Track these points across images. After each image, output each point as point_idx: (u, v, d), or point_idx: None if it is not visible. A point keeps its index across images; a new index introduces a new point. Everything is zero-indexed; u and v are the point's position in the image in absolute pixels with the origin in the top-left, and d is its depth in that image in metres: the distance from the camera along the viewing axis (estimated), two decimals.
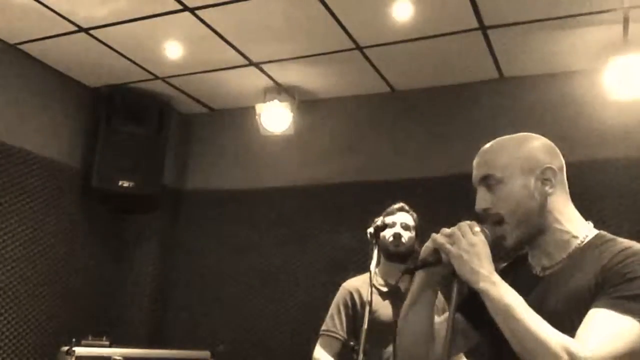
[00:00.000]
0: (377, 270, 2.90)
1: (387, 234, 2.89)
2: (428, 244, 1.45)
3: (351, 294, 2.93)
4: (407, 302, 1.56)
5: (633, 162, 3.88)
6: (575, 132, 3.91)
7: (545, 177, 1.46)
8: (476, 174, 1.53)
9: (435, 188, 4.30)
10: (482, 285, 1.33)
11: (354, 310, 2.89)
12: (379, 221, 2.83)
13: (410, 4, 3.61)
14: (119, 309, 4.95)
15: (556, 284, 1.41)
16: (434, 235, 1.44)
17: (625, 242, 1.39)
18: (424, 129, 4.60)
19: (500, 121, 4.31)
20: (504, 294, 1.32)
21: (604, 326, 1.25)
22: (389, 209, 3.00)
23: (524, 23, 3.73)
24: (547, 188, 1.45)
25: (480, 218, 1.48)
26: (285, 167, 4.97)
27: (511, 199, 1.44)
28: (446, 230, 1.43)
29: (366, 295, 2.67)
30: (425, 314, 1.53)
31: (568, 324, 1.28)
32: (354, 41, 4.06)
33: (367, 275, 2.95)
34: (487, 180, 1.48)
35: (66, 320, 4.55)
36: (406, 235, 2.92)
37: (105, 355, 3.90)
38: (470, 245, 1.36)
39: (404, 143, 4.62)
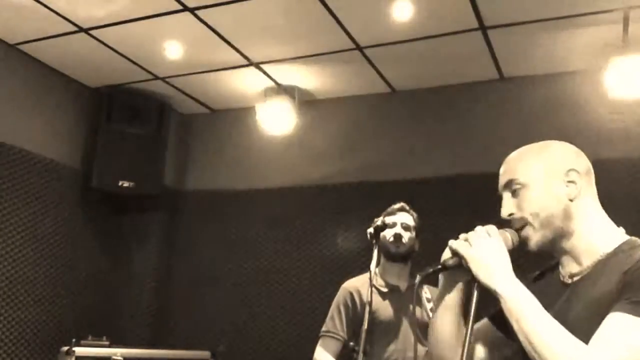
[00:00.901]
0: (377, 270, 2.90)
1: (388, 234, 2.89)
2: (447, 249, 1.46)
3: (351, 294, 2.93)
4: (433, 310, 1.56)
5: (633, 162, 3.88)
6: (575, 132, 3.91)
7: (569, 179, 1.45)
8: (501, 181, 1.53)
9: (436, 188, 4.30)
10: (499, 288, 1.34)
11: (354, 311, 2.89)
12: (379, 221, 2.83)
13: (410, 4, 3.61)
14: (119, 309, 4.95)
15: (581, 291, 1.39)
16: (451, 241, 1.46)
17: None
18: (424, 129, 4.60)
19: (500, 121, 4.31)
20: (521, 298, 1.32)
21: (619, 331, 1.23)
22: (389, 209, 2.99)
23: (524, 23, 3.73)
24: (571, 191, 1.44)
25: (506, 223, 1.48)
26: (285, 167, 4.96)
27: (535, 202, 1.44)
28: (463, 235, 1.44)
29: (366, 296, 2.68)
30: (450, 319, 1.51)
31: (591, 331, 1.26)
32: (354, 41, 4.06)
33: (366, 275, 2.94)
34: (511, 186, 1.48)
35: (66, 320, 4.55)
36: (406, 236, 2.91)
37: (105, 355, 3.90)
38: (487, 249, 1.38)
39: (404, 143, 4.61)
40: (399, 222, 2.94)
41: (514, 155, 1.55)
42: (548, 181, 1.44)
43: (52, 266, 4.50)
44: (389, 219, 2.93)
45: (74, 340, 3.87)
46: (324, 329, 2.95)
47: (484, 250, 1.38)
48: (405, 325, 2.83)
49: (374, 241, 2.74)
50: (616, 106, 3.92)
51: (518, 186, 1.46)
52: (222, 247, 4.97)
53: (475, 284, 1.38)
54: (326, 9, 3.68)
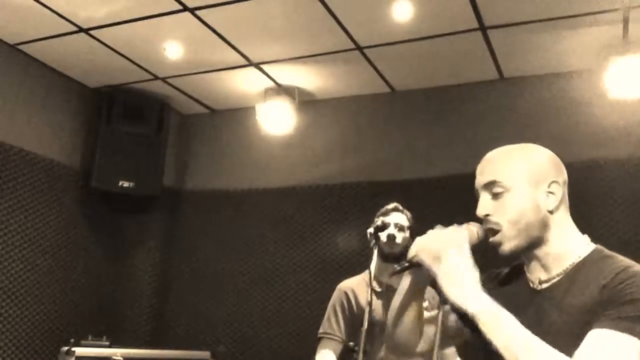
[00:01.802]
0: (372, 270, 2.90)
1: (382, 235, 2.88)
2: (413, 247, 1.47)
3: (346, 294, 2.93)
4: (398, 303, 1.58)
5: (633, 162, 3.88)
6: (575, 132, 3.91)
7: (550, 191, 1.45)
8: (480, 179, 1.51)
9: (436, 188, 4.31)
10: (470, 309, 1.33)
11: (351, 311, 2.88)
12: (379, 221, 2.83)
13: (410, 4, 3.61)
14: (119, 309, 4.95)
15: (554, 299, 1.40)
16: (415, 247, 1.45)
17: (625, 260, 1.38)
18: (424, 129, 4.60)
19: (500, 121, 4.31)
20: (493, 315, 1.32)
21: (604, 347, 1.24)
22: (383, 210, 2.98)
23: (524, 23, 3.73)
24: (551, 202, 1.45)
25: (480, 222, 1.48)
26: (285, 167, 4.96)
27: (515, 208, 1.43)
28: (428, 244, 1.44)
29: (363, 296, 2.68)
30: (414, 314, 1.56)
31: (569, 340, 1.28)
32: (354, 41, 4.06)
33: (361, 275, 2.95)
34: (492, 187, 1.47)
35: (66, 320, 4.55)
36: (400, 236, 2.90)
37: (105, 355, 3.90)
38: (452, 267, 1.37)
39: (404, 143, 4.61)
40: (393, 222, 2.93)
41: (497, 155, 1.52)
42: (531, 189, 1.44)
43: (52, 266, 4.50)
44: (382, 220, 2.92)
45: (73, 340, 3.88)
46: (321, 330, 2.93)
47: (448, 268, 1.37)
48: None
49: (374, 241, 2.74)
50: (616, 106, 3.92)
51: (500, 189, 1.45)
52: (222, 247, 4.97)
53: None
54: (326, 9, 3.68)
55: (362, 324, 2.53)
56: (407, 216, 2.98)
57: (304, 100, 4.85)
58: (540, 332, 1.30)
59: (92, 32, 4.10)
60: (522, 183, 1.44)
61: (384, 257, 2.92)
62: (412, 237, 2.96)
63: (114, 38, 4.18)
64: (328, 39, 4.04)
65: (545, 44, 3.94)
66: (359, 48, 4.15)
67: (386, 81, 4.61)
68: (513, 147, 1.53)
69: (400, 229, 2.91)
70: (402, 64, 4.36)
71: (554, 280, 1.43)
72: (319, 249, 4.64)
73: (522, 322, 1.33)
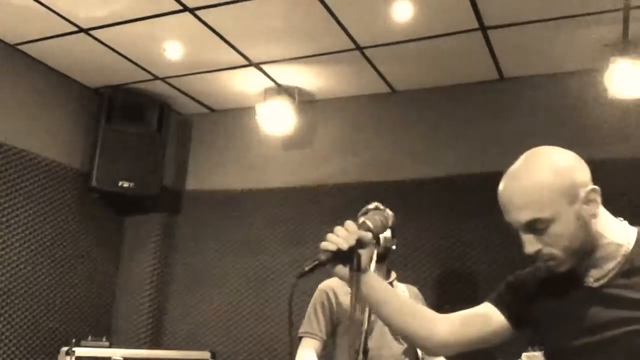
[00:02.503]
0: None
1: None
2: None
3: (327, 293, 2.95)
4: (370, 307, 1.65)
5: (633, 162, 3.88)
6: (575, 132, 3.91)
7: (589, 198, 1.41)
8: (518, 218, 1.41)
9: (435, 188, 4.30)
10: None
11: (331, 310, 2.91)
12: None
13: (410, 4, 3.61)
14: (119, 310, 4.95)
15: (616, 294, 1.39)
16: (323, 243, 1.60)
17: None
18: (424, 129, 4.60)
19: (500, 121, 4.31)
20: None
21: None
22: (363, 210, 2.98)
23: (524, 23, 3.73)
24: (592, 208, 1.41)
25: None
26: (285, 168, 4.96)
27: (565, 236, 1.38)
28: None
29: (343, 295, 2.70)
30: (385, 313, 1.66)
31: (634, 335, 1.28)
32: (354, 41, 4.06)
33: None
34: (535, 225, 1.39)
35: (66, 320, 4.55)
36: (381, 237, 2.89)
37: (105, 356, 3.89)
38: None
39: (404, 143, 4.61)
40: None
41: (524, 187, 1.41)
42: (572, 208, 1.38)
43: (52, 266, 4.50)
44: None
45: (73, 340, 3.87)
46: (301, 330, 2.95)
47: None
48: (380, 324, 2.83)
49: (374, 241, 2.73)
50: (616, 106, 3.92)
51: (543, 225, 1.38)
52: (222, 247, 4.97)
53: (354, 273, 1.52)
54: (326, 9, 3.68)
55: (347, 323, 2.54)
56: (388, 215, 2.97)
57: (304, 100, 4.85)
58: (603, 330, 1.30)
59: (92, 32, 4.10)
60: (562, 207, 1.37)
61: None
62: (394, 236, 2.97)
63: (114, 38, 4.18)
64: (328, 39, 4.04)
65: (545, 44, 3.94)
66: (359, 48, 4.15)
67: (386, 81, 4.61)
68: (533, 171, 1.42)
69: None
70: (402, 64, 4.36)
71: (611, 275, 1.41)
72: (319, 249, 4.63)
73: (582, 321, 1.34)
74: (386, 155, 4.64)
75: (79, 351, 3.81)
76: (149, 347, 4.56)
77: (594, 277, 1.43)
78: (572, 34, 3.80)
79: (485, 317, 1.57)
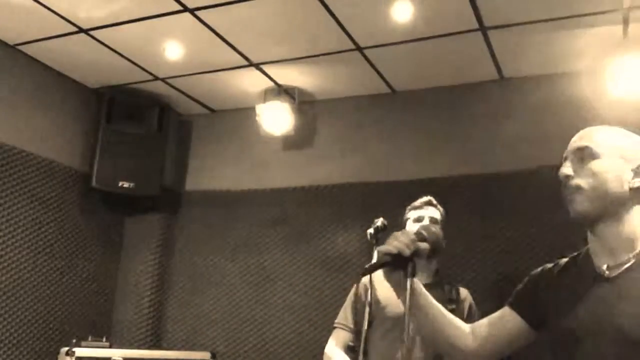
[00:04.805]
0: None
1: (413, 228, 2.87)
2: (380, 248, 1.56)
3: (363, 286, 2.95)
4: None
5: None
6: (575, 132, 3.87)
7: (639, 171, 1.47)
8: (573, 145, 1.56)
9: (436, 189, 4.29)
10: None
11: (361, 303, 2.92)
12: (379, 222, 2.83)
13: (410, 4, 3.61)
14: (119, 310, 4.95)
15: (629, 285, 1.39)
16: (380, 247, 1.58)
17: None
18: (424, 130, 4.59)
19: (500, 121, 4.30)
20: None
21: None
22: (417, 203, 2.98)
23: (524, 23, 3.73)
24: (637, 181, 1.46)
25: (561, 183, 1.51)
26: (285, 168, 4.96)
27: (600, 175, 1.46)
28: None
29: (378, 288, 2.69)
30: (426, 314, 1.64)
31: (637, 331, 1.28)
32: (354, 41, 4.06)
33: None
34: (583, 152, 1.50)
35: (66, 321, 4.55)
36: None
37: (105, 356, 3.89)
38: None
39: (404, 144, 4.61)
40: (427, 216, 2.92)
41: (596, 127, 1.57)
42: (620, 162, 1.46)
43: (52, 266, 4.50)
44: (414, 214, 2.91)
45: (73, 341, 3.88)
46: (335, 320, 3.00)
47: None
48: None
49: (374, 242, 2.74)
50: (616, 106, 3.92)
51: (589, 154, 1.48)
52: (222, 247, 4.97)
53: (409, 278, 1.52)
54: (326, 9, 3.68)
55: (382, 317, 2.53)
56: (440, 211, 2.99)
57: (304, 101, 4.86)
58: (606, 321, 1.30)
59: (92, 32, 4.10)
60: (614, 154, 1.47)
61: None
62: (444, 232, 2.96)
63: (114, 38, 4.18)
64: (328, 39, 4.04)
65: (545, 44, 3.94)
66: (359, 48, 4.15)
67: (386, 81, 4.61)
68: (615, 127, 1.58)
69: (434, 222, 2.90)
70: (402, 64, 4.36)
71: (624, 267, 1.42)
72: (319, 249, 4.63)
73: (586, 311, 1.35)
74: (386, 155, 4.64)
75: (79, 351, 3.82)
76: (149, 348, 4.56)
77: (607, 266, 1.45)
78: (572, 34, 3.80)
79: (504, 321, 1.62)
